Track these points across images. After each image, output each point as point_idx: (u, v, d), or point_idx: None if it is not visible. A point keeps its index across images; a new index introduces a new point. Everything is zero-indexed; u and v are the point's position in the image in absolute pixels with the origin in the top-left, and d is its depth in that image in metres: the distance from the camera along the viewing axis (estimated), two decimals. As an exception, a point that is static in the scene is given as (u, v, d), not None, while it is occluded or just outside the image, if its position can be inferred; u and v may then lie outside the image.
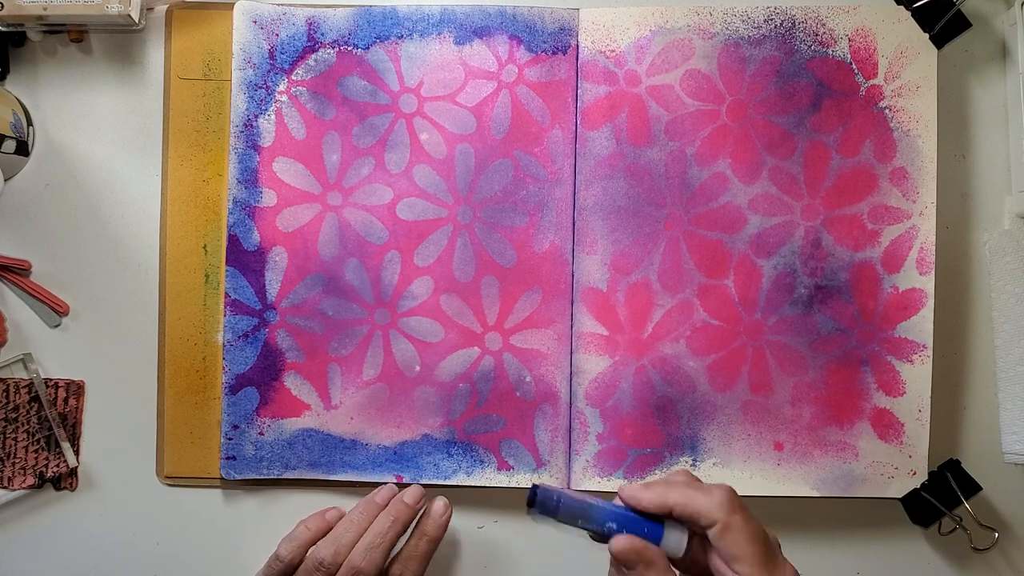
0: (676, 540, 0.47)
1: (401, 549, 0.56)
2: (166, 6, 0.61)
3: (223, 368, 0.59)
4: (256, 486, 0.61)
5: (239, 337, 0.59)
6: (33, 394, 0.60)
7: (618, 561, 0.47)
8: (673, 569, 0.47)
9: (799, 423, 0.59)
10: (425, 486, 0.58)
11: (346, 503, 0.59)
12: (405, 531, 0.56)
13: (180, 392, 0.60)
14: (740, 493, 0.58)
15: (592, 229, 0.60)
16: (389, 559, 0.56)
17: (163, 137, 0.61)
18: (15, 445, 0.60)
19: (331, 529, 0.56)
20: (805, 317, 0.59)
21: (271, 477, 0.60)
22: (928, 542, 0.61)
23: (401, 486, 0.58)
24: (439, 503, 0.57)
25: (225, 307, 0.59)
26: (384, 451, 0.60)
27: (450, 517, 0.57)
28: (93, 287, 0.61)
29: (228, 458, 0.59)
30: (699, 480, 0.49)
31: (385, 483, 0.59)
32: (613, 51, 0.60)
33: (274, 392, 0.59)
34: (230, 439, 0.59)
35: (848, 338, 0.59)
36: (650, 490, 0.47)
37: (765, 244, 0.60)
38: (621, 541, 0.47)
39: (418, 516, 0.57)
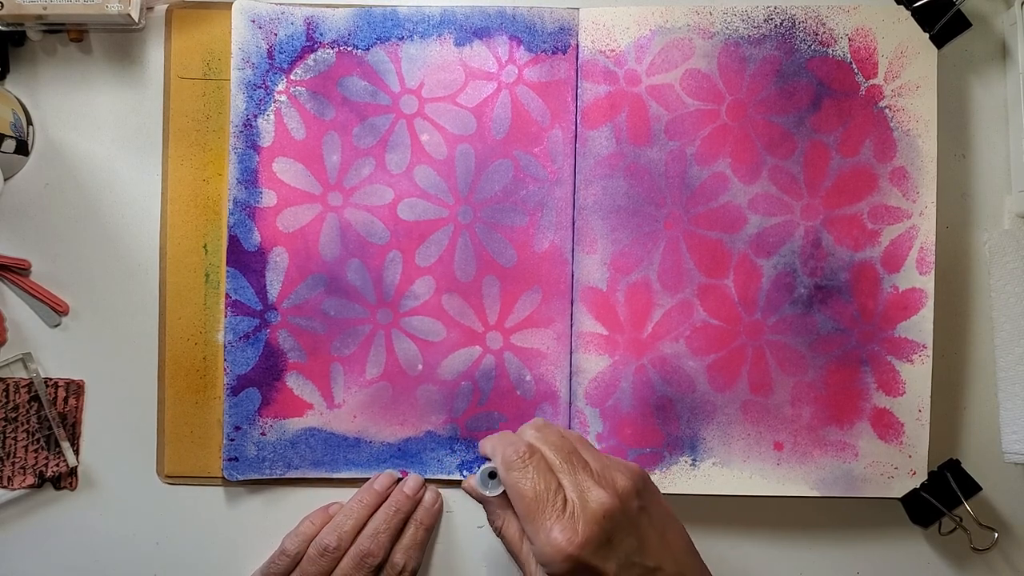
0: (495, 482, 0.51)
1: (401, 539, 0.58)
2: (166, 5, 0.61)
3: (224, 369, 0.59)
4: (257, 485, 0.61)
5: (240, 338, 0.59)
6: (33, 394, 0.60)
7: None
8: (511, 508, 0.50)
9: (799, 423, 0.59)
10: (428, 481, 0.60)
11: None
12: (407, 519, 0.59)
13: (180, 391, 0.60)
14: (740, 493, 0.59)
15: (592, 229, 0.60)
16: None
17: (163, 137, 0.61)
18: (15, 445, 0.60)
19: None
20: (805, 317, 0.59)
21: (274, 477, 0.60)
22: (928, 542, 0.62)
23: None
24: (430, 493, 0.60)
25: (226, 308, 0.59)
26: (388, 448, 0.60)
27: (442, 505, 0.60)
28: (93, 287, 0.61)
29: (230, 459, 0.59)
30: (543, 429, 0.51)
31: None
32: (613, 51, 0.60)
33: (276, 392, 0.59)
34: (232, 440, 0.59)
35: (848, 338, 0.59)
36: (484, 440, 0.53)
37: (765, 244, 0.60)
38: (464, 480, 0.54)
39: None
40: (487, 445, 0.52)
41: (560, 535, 0.45)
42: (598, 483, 0.47)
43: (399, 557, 0.57)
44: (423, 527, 0.59)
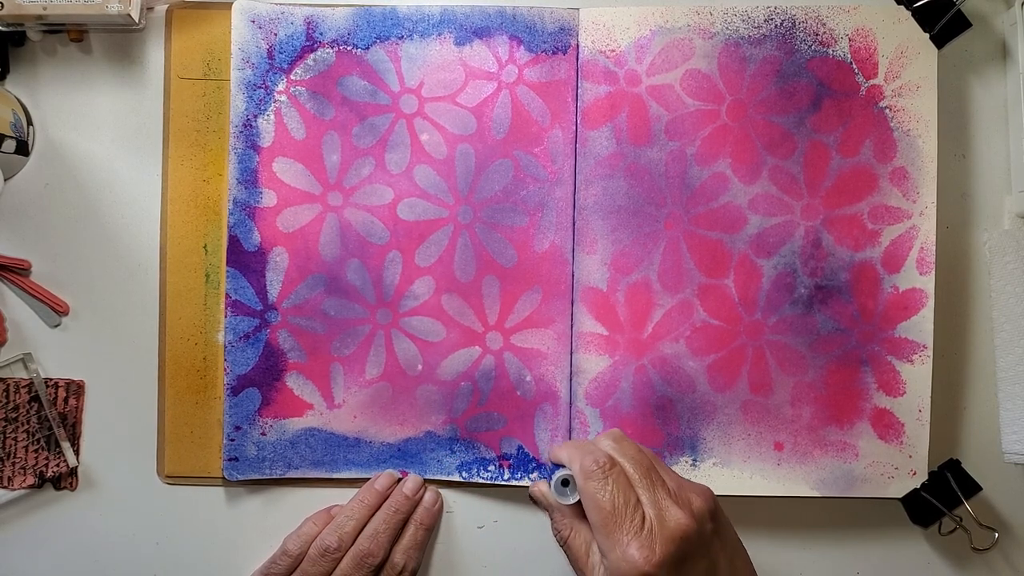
0: (569, 491, 0.51)
1: (401, 539, 0.58)
2: (166, 6, 0.61)
3: (224, 369, 0.59)
4: (257, 485, 0.61)
5: (240, 338, 0.59)
6: (33, 394, 0.60)
7: (534, 502, 0.58)
8: (580, 518, 0.52)
9: (799, 423, 0.59)
10: (428, 481, 0.60)
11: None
12: (406, 520, 0.59)
13: (180, 391, 0.60)
14: (740, 493, 0.59)
15: (592, 229, 0.60)
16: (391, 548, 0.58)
17: (163, 137, 0.61)
18: (15, 445, 0.60)
19: None
20: (805, 317, 0.59)
21: (274, 477, 0.60)
22: (928, 542, 0.62)
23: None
24: (430, 494, 0.60)
25: (226, 308, 0.59)
26: (388, 448, 0.60)
27: (442, 505, 0.61)
28: (93, 287, 0.61)
29: (230, 459, 0.59)
30: (621, 441, 0.52)
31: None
32: (613, 51, 0.60)
33: (276, 392, 0.59)
34: (232, 440, 0.59)
35: (848, 338, 0.59)
36: (557, 446, 0.54)
37: (765, 244, 0.60)
38: (532, 486, 0.57)
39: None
40: (562, 452, 0.52)
41: (637, 552, 0.45)
42: (675, 502, 0.47)
43: (399, 557, 0.58)
44: (423, 527, 0.59)
